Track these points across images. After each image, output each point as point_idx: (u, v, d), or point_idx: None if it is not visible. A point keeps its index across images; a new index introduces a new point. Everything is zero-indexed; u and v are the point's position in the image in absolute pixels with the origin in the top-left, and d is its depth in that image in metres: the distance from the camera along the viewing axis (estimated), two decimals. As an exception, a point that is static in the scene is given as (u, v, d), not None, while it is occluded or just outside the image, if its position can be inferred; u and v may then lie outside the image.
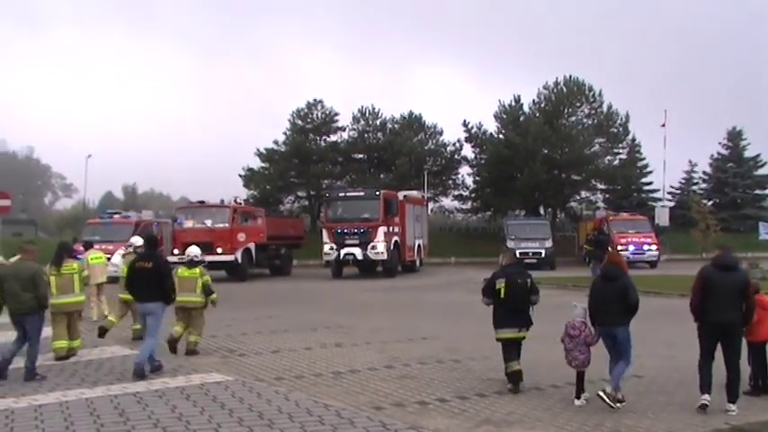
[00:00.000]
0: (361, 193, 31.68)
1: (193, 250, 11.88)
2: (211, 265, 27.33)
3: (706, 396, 7.55)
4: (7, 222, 40.79)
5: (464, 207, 54.20)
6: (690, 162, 55.01)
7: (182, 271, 11.43)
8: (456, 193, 53.58)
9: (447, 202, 55.60)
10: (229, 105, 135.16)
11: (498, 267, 9.33)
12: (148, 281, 9.74)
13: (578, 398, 7.95)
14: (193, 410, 7.41)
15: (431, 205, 49.10)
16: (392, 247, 29.56)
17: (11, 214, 36.79)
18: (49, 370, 9.83)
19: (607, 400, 7.57)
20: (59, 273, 10.77)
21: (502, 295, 8.73)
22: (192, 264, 11.59)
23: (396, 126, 53.64)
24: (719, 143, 54.58)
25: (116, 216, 32.48)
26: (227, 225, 28.36)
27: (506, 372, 8.68)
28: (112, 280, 16.05)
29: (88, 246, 17.85)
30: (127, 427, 6.82)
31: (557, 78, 49.32)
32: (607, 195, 51.83)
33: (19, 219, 67.24)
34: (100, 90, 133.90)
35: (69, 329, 10.80)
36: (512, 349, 8.79)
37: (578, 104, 49.03)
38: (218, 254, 27.09)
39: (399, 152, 50.21)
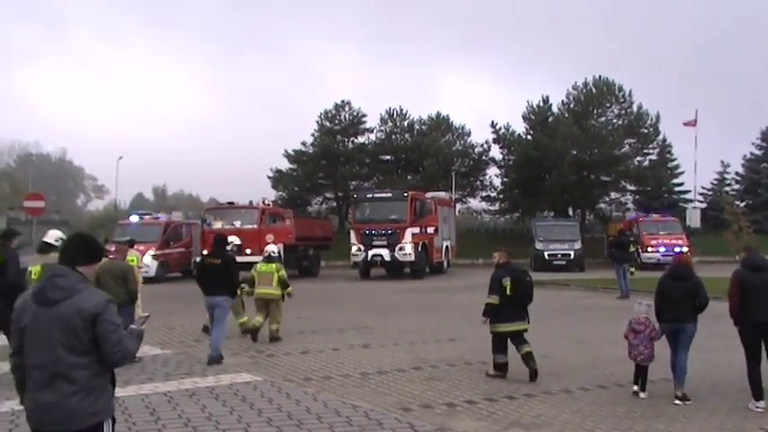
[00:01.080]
0: (389, 195, 31.70)
1: (270, 248, 13.47)
2: (240, 266, 27.67)
3: (761, 403, 7.60)
4: (41, 223, 41.45)
5: (492, 208, 54.04)
6: (722, 163, 54.39)
7: (260, 266, 12.80)
8: (484, 194, 53.44)
9: (475, 203, 55.48)
10: (252, 106, 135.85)
11: (499, 266, 9.77)
12: (217, 276, 10.52)
13: (643, 390, 8.29)
14: (223, 410, 7.47)
15: (458, 206, 48.96)
16: (420, 248, 29.52)
17: (45, 215, 37.41)
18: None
19: (683, 402, 7.87)
20: None
21: (508, 292, 9.29)
22: (269, 259, 12.93)
23: (423, 127, 53.61)
24: (753, 143, 53.90)
25: (146, 217, 32.82)
26: (255, 226, 28.51)
27: (521, 353, 9.30)
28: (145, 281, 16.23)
29: (131, 244, 17.95)
30: (158, 426, 6.89)
31: (585, 79, 49.07)
32: (637, 197, 51.26)
33: (52, 219, 68.22)
34: (125, 91, 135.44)
35: None
36: (520, 337, 9.43)
37: (608, 105, 48.60)
38: (246, 254, 27.23)
39: (427, 153, 50.15)
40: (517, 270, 9.82)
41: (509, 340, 9.43)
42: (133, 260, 16.43)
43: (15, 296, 7.63)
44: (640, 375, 8.37)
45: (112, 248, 13.82)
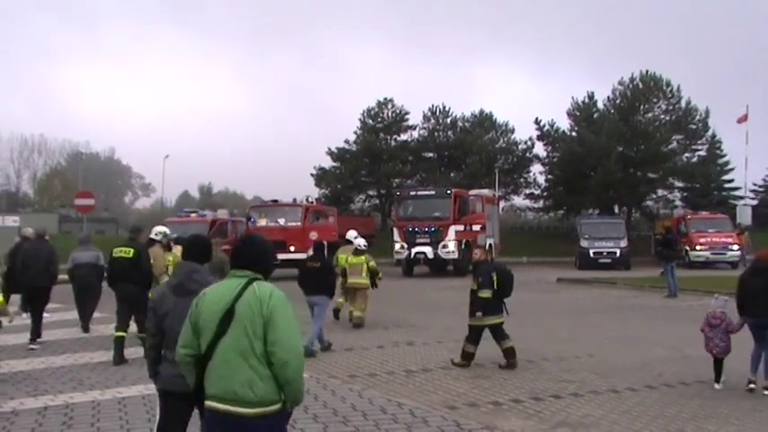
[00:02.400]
0: (432, 192, 31.68)
1: (359, 241, 14.49)
2: (284, 264, 27.89)
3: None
4: (91, 221, 42.50)
5: (536, 206, 53.62)
6: (774, 159, 52.97)
7: (351, 258, 14.00)
8: (528, 191, 53.05)
9: (518, 200, 55.20)
10: (292, 104, 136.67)
11: (480, 263, 10.47)
12: (317, 278, 11.40)
13: (717, 382, 8.55)
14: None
15: (502, 204, 48.66)
16: (463, 246, 29.40)
17: (94, 213, 38.31)
18: (132, 365, 10.17)
19: None
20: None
21: (495, 286, 9.87)
22: (358, 252, 14.10)
23: (466, 124, 53.42)
24: (807, 138, 52.38)
25: (193, 215, 33.28)
26: (299, 224, 28.74)
27: (504, 348, 9.88)
28: None
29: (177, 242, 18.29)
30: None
31: (632, 74, 48.27)
32: (685, 194, 50.24)
33: (102, 217, 69.99)
34: (169, 91, 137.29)
35: None
36: (502, 331, 9.96)
37: (655, 100, 47.75)
38: (290, 252, 27.50)
39: (470, 150, 49.98)
40: (500, 265, 10.81)
41: (492, 334, 9.98)
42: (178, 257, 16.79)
43: (149, 283, 9.16)
44: (716, 368, 8.60)
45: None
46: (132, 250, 10.65)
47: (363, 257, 13.97)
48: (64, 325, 14.18)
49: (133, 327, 10.65)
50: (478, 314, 9.84)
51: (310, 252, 13.92)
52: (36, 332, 12.12)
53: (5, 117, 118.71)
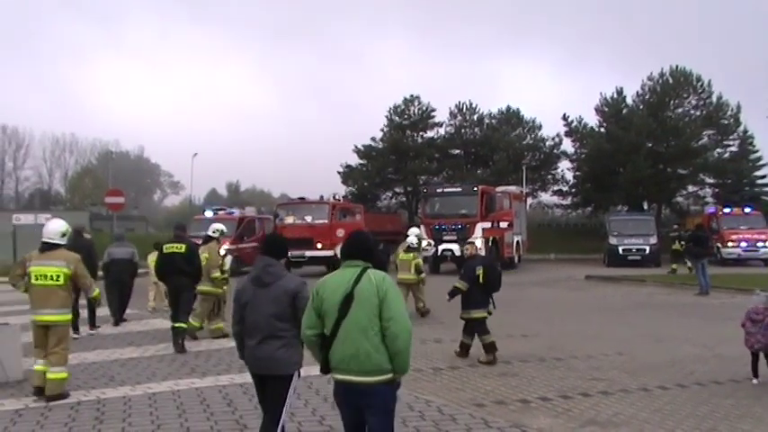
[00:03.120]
0: (459, 189, 31.55)
1: (411, 239, 15.49)
2: (311, 261, 28.02)
3: None
4: (121, 218, 43.02)
5: (564, 203, 53.30)
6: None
7: (401, 255, 15.05)
8: (555, 188, 52.67)
9: (546, 197, 54.80)
10: (315, 101, 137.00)
11: (470, 258, 10.90)
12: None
13: (756, 377, 8.55)
14: (298, 403, 7.55)
15: (529, 201, 48.36)
16: (490, 243, 29.27)
17: (124, 211, 38.75)
18: (161, 360, 10.29)
19: None
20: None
21: (481, 280, 10.22)
22: (408, 249, 15.18)
23: (493, 121, 53.18)
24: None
25: (221, 212, 33.54)
26: (326, 221, 28.85)
27: (485, 343, 10.06)
28: None
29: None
30: (235, 417, 7.05)
31: (662, 69, 47.61)
32: (716, 190, 49.50)
33: (131, 215, 70.83)
34: (197, 90, 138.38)
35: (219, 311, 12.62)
36: (484, 326, 10.18)
37: (685, 95, 47.10)
38: (317, 249, 27.62)
39: (497, 147, 49.76)
40: (488, 260, 11.32)
41: (473, 328, 10.26)
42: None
43: (198, 277, 10.64)
44: (754, 364, 8.60)
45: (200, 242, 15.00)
46: (185, 246, 11.40)
47: (412, 255, 15.09)
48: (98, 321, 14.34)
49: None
50: (448, 299, 10.50)
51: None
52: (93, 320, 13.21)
53: (37, 116, 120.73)
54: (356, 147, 52.56)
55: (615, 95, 48.67)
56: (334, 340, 4.39)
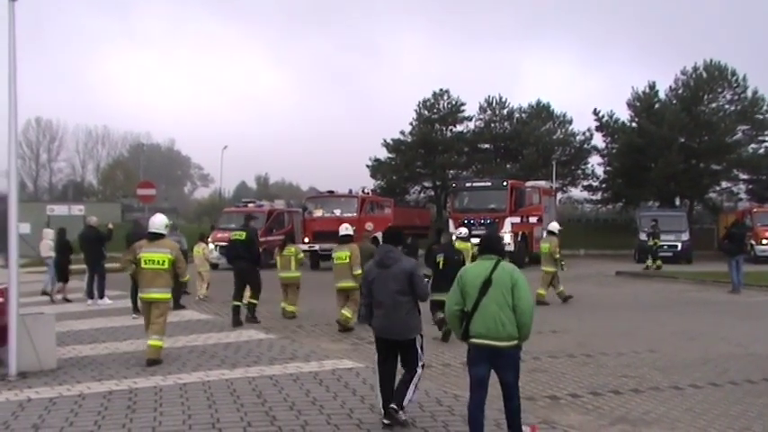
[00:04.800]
0: (489, 183, 31.42)
1: (461, 230, 18.12)
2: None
3: None
4: (152, 210, 43.47)
5: (594, 198, 52.82)
6: None
7: (459, 244, 15.69)
8: (585, 183, 52.28)
9: (576, 192, 54.36)
10: (340, 94, 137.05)
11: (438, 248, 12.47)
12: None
13: None
14: (327, 395, 7.61)
15: (559, 196, 48.02)
16: (519, 238, 29.11)
17: (155, 203, 39.15)
18: (192, 351, 10.39)
19: None
20: (282, 255, 14.49)
21: (441, 267, 11.46)
22: (464, 239, 17.13)
23: (523, 115, 52.84)
24: None
25: (250, 205, 33.76)
26: (355, 214, 28.87)
27: (437, 319, 11.40)
28: None
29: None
30: (265, 408, 7.08)
31: (695, 63, 47.08)
32: (750, 186, 48.73)
33: (162, 207, 71.47)
34: (226, 83, 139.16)
35: (290, 296, 14.31)
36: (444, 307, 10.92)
37: (720, 90, 46.45)
38: (346, 242, 27.61)
39: (527, 142, 49.45)
40: (449, 250, 12.18)
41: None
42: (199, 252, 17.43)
43: (258, 261, 13.39)
44: None
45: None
46: (245, 234, 13.11)
47: (469, 244, 16.77)
48: (127, 312, 14.54)
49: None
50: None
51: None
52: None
53: (69, 109, 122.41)
54: (385, 140, 52.61)
55: (647, 90, 48.12)
56: (474, 314, 5.67)
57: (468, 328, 5.74)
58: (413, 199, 53.07)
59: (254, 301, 13.28)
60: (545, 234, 16.92)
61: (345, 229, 13.74)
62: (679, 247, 32.87)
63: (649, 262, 28.69)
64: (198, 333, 11.43)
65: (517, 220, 29.21)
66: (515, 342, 5.67)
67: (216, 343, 11.09)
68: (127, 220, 53.00)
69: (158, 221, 9.85)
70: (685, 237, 33.50)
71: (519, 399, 5.88)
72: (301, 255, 15.00)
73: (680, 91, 47.23)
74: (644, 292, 19.84)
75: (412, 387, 6.49)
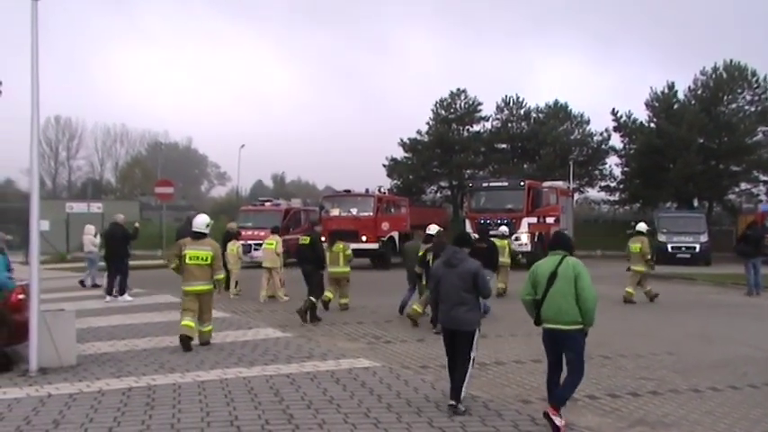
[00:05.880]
0: (505, 184, 31.30)
1: (502, 229, 20.02)
2: (356, 253, 28.04)
3: None
4: (169, 208, 43.75)
5: (611, 198, 52.48)
6: None
7: (496, 241, 17.15)
8: (603, 183, 51.94)
9: (593, 193, 54.05)
10: (357, 93, 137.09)
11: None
12: (484, 258, 12.53)
13: None
14: (343, 394, 7.62)
15: (576, 196, 47.79)
16: (536, 238, 29.00)
17: (172, 201, 39.38)
18: (209, 349, 10.45)
19: None
20: (331, 251, 15.06)
21: (431, 264, 11.82)
22: (503, 237, 18.88)
23: (540, 115, 52.62)
24: None
25: (267, 203, 33.85)
26: (371, 214, 28.89)
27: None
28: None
29: (274, 231, 18.52)
30: (282, 407, 7.11)
31: (715, 63, 46.69)
32: (770, 187, 48.29)
33: (179, 205, 71.95)
34: (243, 83, 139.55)
35: (341, 289, 15.31)
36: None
37: (739, 91, 46.04)
38: (362, 242, 27.65)
39: (544, 142, 49.24)
40: (440, 249, 12.27)
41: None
42: (272, 245, 17.20)
43: (322, 263, 14.17)
44: None
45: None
46: (309, 238, 14.17)
47: (506, 241, 18.80)
48: (146, 309, 14.64)
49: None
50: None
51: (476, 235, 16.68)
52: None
53: (89, 107, 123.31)
54: (401, 140, 52.57)
55: (666, 90, 47.79)
56: (544, 302, 6.58)
57: (539, 315, 6.66)
58: (429, 199, 53.02)
59: (314, 300, 13.66)
60: (634, 234, 17.90)
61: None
62: (697, 249, 32.65)
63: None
64: (216, 331, 11.48)
65: (534, 220, 29.11)
66: (579, 326, 6.47)
67: (233, 341, 11.14)
68: (145, 218, 53.32)
69: (201, 222, 10.84)
70: (704, 238, 33.24)
71: (580, 376, 6.59)
72: (349, 251, 15.44)
73: (699, 91, 46.86)
74: (662, 293, 19.67)
75: (466, 382, 7.00)
